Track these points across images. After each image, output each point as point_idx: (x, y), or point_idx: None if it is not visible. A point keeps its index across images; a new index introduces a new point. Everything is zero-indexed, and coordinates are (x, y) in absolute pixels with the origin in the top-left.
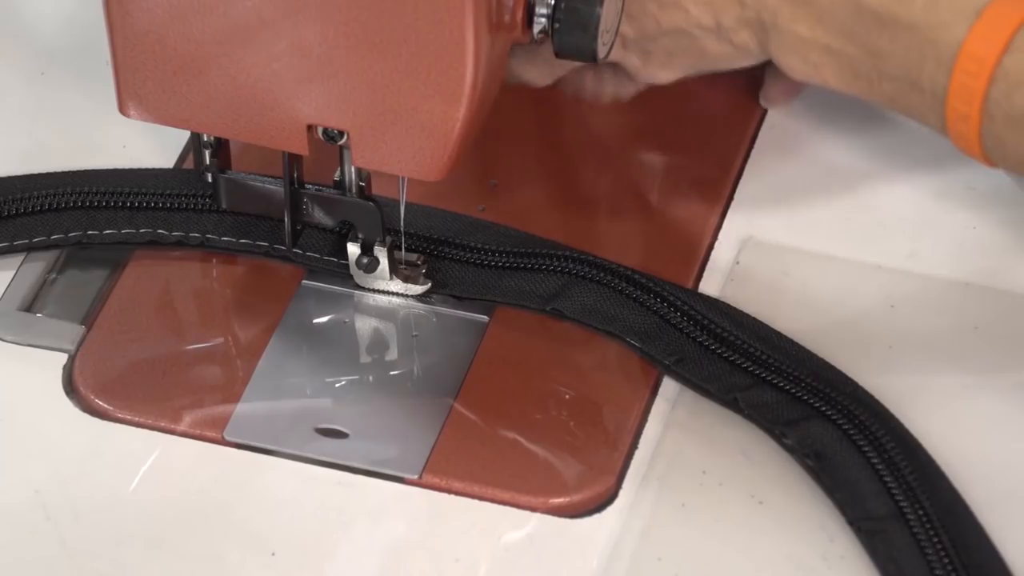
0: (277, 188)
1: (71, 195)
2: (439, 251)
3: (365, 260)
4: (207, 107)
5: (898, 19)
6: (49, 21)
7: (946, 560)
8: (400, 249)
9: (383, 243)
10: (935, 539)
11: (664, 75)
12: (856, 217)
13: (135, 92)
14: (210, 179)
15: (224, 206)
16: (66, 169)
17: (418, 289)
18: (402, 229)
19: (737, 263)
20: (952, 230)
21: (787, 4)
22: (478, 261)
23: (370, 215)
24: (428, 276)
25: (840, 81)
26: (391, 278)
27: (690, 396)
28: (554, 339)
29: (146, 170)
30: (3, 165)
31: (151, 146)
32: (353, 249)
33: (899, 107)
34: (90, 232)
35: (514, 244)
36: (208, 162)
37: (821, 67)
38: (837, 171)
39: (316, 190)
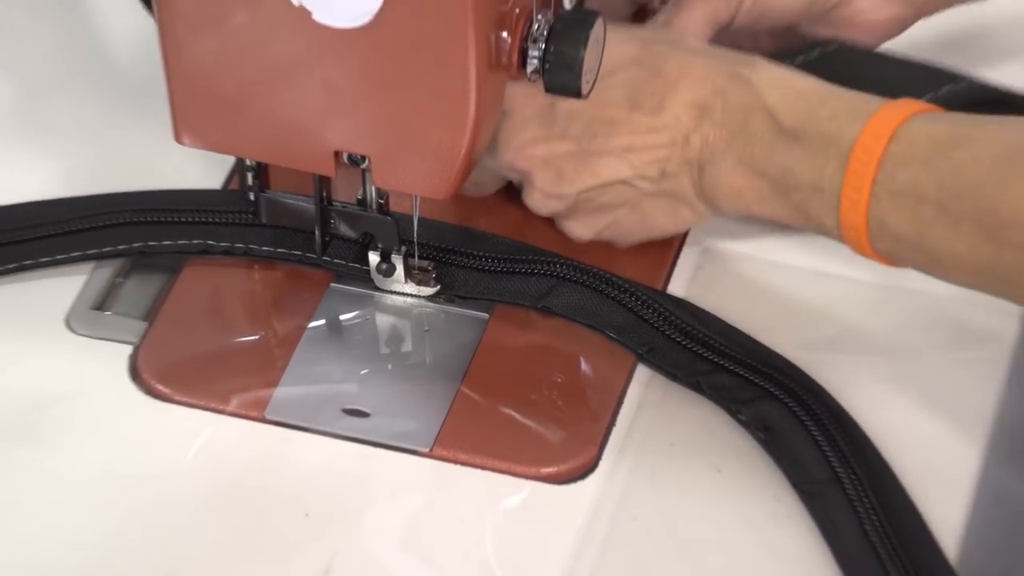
0: (309, 205)
1: (134, 212)
2: (446, 258)
3: (384, 266)
4: (250, 136)
5: (807, 131)
6: (116, 64)
7: (875, 517)
8: (414, 257)
9: (399, 252)
10: (865, 500)
11: (581, 231)
12: (800, 231)
13: (188, 123)
14: (252, 197)
15: (264, 220)
16: (130, 190)
17: (429, 291)
18: (415, 240)
19: (700, 268)
20: None
21: (724, 138)
22: (479, 266)
23: (388, 228)
24: (437, 280)
25: (759, 205)
26: (406, 281)
27: (660, 380)
28: (545, 332)
29: (198, 191)
30: (77, 185)
31: (202, 169)
32: (373, 257)
33: (802, 216)
34: (150, 243)
35: (510, 252)
36: (251, 183)
37: (745, 196)
38: None
39: (342, 207)
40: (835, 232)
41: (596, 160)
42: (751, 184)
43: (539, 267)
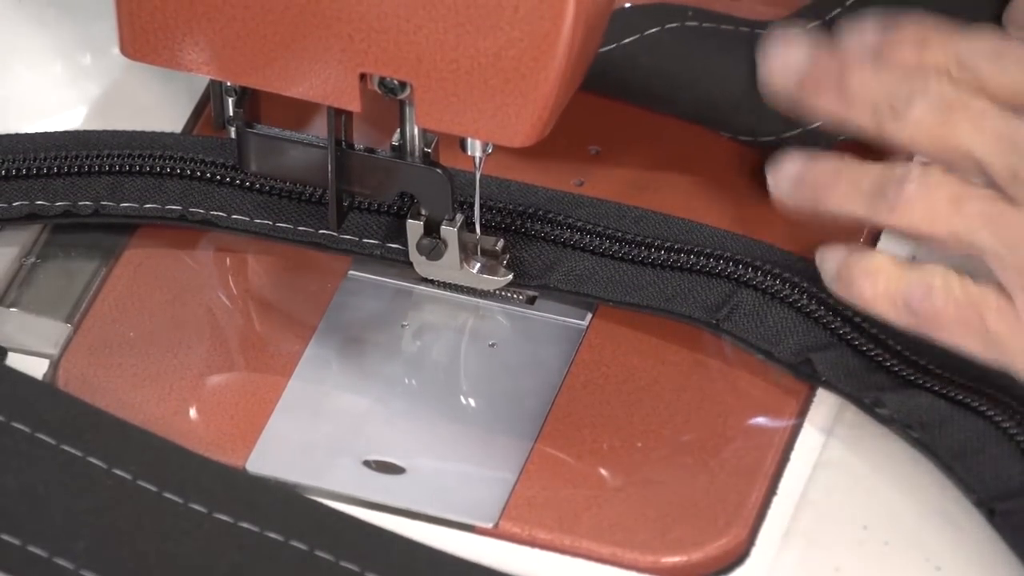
0: (320, 149)
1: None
2: (524, 227)
3: (427, 242)
4: (230, 47)
5: None
6: None
7: None
8: (475, 230)
9: (452, 221)
10: None
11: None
12: None
13: (140, 28)
14: (234, 135)
15: (252, 169)
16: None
17: (497, 282)
18: (477, 202)
19: (913, 258)
20: None
21: None
22: (575, 243)
23: (437, 185)
24: (510, 266)
25: None
26: (461, 267)
27: (847, 427)
28: (669, 348)
29: (142, 132)
30: None
31: (156, 99)
32: (415, 228)
33: None
34: (80, 202)
35: (631, 228)
36: (231, 113)
37: None
38: None
39: (369, 154)
40: None
41: None
42: None
43: (697, 259)
